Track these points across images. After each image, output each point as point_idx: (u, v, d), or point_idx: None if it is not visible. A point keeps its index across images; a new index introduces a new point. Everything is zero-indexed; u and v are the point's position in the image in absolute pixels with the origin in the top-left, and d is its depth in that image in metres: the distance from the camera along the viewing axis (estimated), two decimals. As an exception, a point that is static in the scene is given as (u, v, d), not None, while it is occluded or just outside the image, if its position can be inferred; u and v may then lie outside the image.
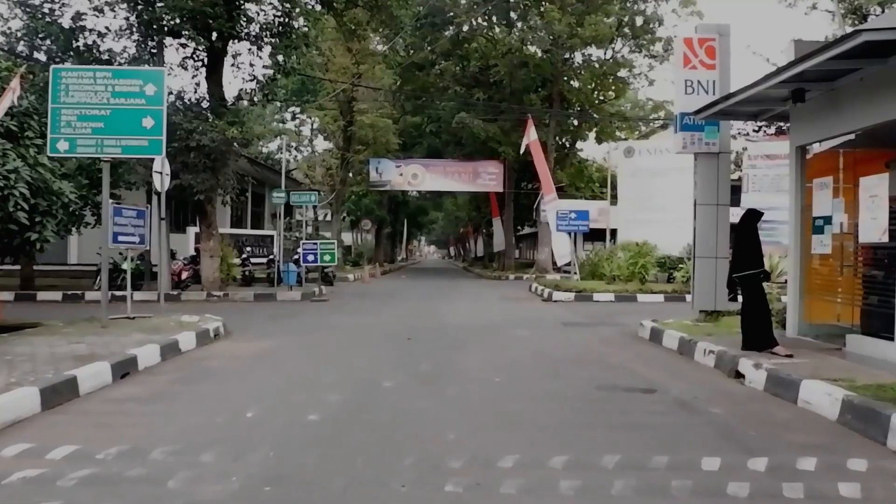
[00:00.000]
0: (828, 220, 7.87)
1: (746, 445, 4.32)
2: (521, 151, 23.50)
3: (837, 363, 6.43)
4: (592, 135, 34.37)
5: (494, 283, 26.31)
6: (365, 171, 32.94)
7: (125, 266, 17.34)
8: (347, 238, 52.56)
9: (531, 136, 21.40)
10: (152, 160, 14.94)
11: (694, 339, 7.83)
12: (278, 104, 40.90)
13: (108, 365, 6.18)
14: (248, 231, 26.16)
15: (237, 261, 21.15)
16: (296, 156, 50.40)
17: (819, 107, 7.77)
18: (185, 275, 17.59)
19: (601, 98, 33.27)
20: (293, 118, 39.34)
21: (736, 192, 34.21)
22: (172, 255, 17.82)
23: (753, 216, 7.25)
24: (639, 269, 17.63)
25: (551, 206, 19.71)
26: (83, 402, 5.46)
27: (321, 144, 41.59)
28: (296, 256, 18.45)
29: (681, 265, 18.01)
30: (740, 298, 7.58)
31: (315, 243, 16.38)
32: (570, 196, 30.76)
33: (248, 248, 23.19)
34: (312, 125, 43.00)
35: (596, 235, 27.46)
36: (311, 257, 16.16)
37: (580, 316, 12.86)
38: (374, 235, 45.48)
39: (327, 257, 16.20)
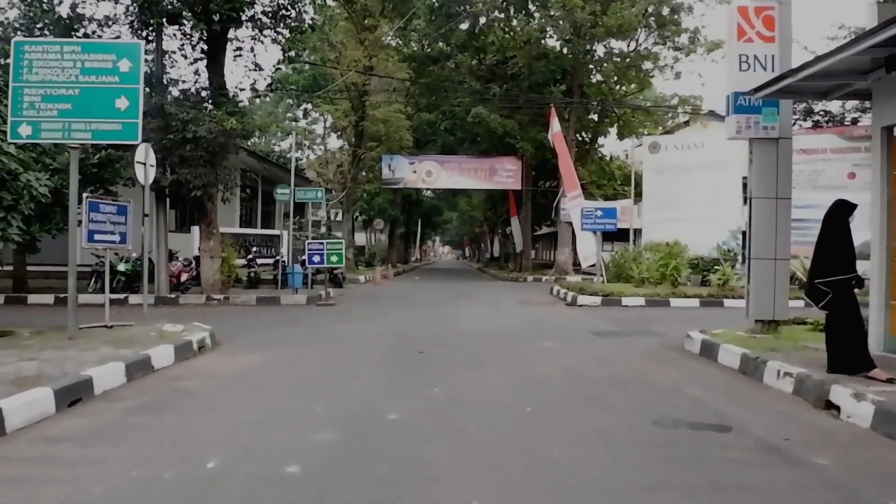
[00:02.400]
0: (923, 214, 6.57)
1: (890, 525, 3.08)
2: (550, 137, 22.02)
3: (956, 392, 5.12)
4: (614, 131, 33.03)
5: (512, 286, 25.05)
6: (377, 169, 31.79)
7: (121, 267, 16.43)
8: (361, 238, 51.62)
9: (554, 128, 20.04)
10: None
11: (761, 357, 6.53)
12: (290, 101, 40.09)
13: (50, 391, 5.03)
14: (255, 230, 25.13)
15: (242, 262, 20.13)
16: (308, 154, 49.55)
17: (912, 79, 6.46)
18: (184, 276, 16.56)
19: (623, 91, 31.90)
20: (304, 115, 38.28)
21: (767, 189, 32.59)
22: (171, 256, 16.80)
23: (844, 209, 5.93)
24: (670, 271, 16.27)
25: (575, 204, 18.41)
26: (7, 443, 4.31)
27: (334, 143, 40.69)
28: (302, 257, 17.35)
29: (716, 266, 16.63)
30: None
31: (321, 243, 15.21)
32: (590, 195, 29.46)
33: (255, 249, 22.21)
34: (325, 122, 42.04)
35: (617, 235, 26.11)
36: (317, 258, 15.01)
37: (611, 323, 11.59)
38: (388, 235, 44.38)
39: (334, 258, 15.03)
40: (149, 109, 14.79)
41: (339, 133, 34.46)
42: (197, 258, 17.24)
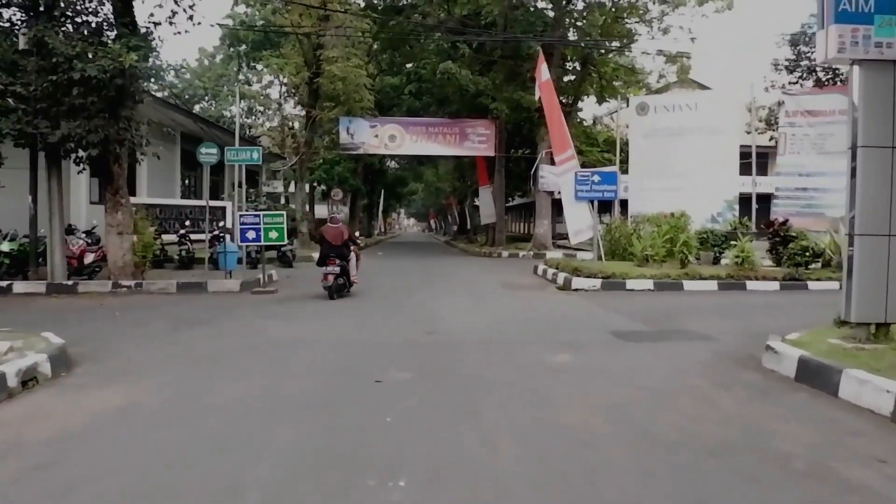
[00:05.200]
0: None
1: None
2: (537, 97, 19.03)
3: None
4: (594, 97, 30.34)
5: (487, 263, 22.35)
6: (335, 133, 28.52)
7: (4, 247, 13.14)
8: (322, 210, 48.35)
9: (542, 76, 17.08)
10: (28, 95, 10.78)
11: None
12: (240, 60, 36.30)
13: None
14: (184, 202, 21.75)
15: (174, 238, 16.99)
16: (263, 122, 45.87)
17: None
18: (89, 257, 13.39)
19: (602, 51, 29.11)
20: (252, 69, 34.63)
21: (764, 156, 30.24)
22: (70, 230, 13.60)
23: None
24: (680, 247, 13.75)
25: (566, 168, 15.65)
26: None
27: (292, 111, 37.21)
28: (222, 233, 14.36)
29: (732, 242, 14.17)
30: None
31: (257, 215, 12.18)
32: (570, 162, 26.79)
33: (188, 223, 19.03)
34: (280, 88, 38.37)
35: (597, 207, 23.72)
36: (251, 234, 11.99)
37: (628, 317, 8.97)
38: (349, 207, 41.25)
39: (274, 234, 12.03)
40: (27, 44, 11.54)
41: (292, 93, 31.05)
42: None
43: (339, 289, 11.15)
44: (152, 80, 12.26)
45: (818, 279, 12.75)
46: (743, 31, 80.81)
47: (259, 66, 37.11)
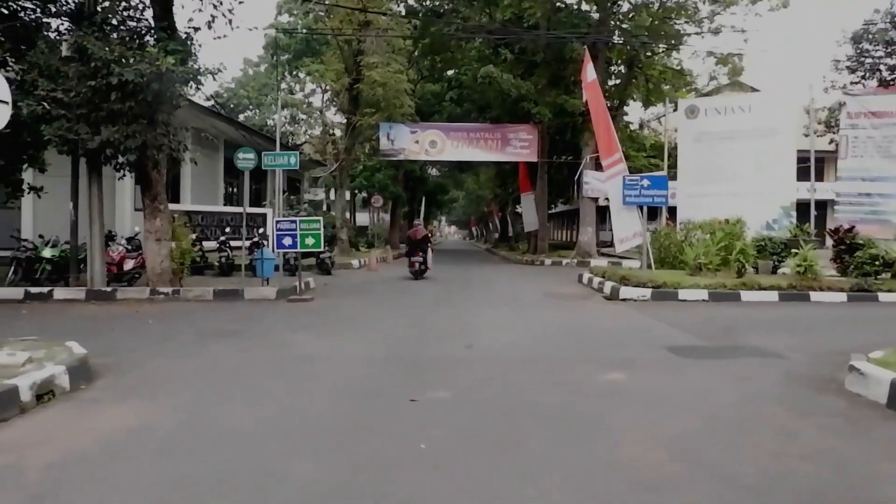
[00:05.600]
0: None
1: None
2: (584, 99, 18.27)
3: None
4: (639, 101, 29.45)
5: (529, 271, 21.76)
6: (374, 139, 28.36)
7: (46, 253, 13.19)
8: (364, 218, 48.45)
9: (588, 76, 16.44)
10: (68, 103, 10.76)
11: None
12: (281, 69, 36.67)
13: None
14: (225, 208, 21.81)
15: (214, 244, 17.00)
16: (306, 130, 46.30)
17: None
18: (128, 264, 13.36)
19: (649, 53, 28.21)
20: (294, 77, 34.84)
21: (820, 161, 28.78)
22: (111, 237, 13.60)
23: None
24: (736, 255, 12.93)
25: (613, 173, 14.97)
26: None
27: (332, 117, 37.36)
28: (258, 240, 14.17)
29: (794, 250, 13.27)
30: None
31: (293, 221, 11.91)
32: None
33: (229, 230, 19.05)
34: (323, 94, 38.60)
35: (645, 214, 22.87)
36: (287, 240, 11.73)
37: (683, 330, 8.31)
38: (390, 215, 41.13)
39: (310, 241, 11.73)
40: (69, 51, 11.57)
41: (333, 100, 31.11)
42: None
43: (421, 273, 16.22)
44: (190, 84, 12.05)
45: (890, 290, 11.82)
46: (800, 29, 78.05)
47: (301, 75, 37.45)
